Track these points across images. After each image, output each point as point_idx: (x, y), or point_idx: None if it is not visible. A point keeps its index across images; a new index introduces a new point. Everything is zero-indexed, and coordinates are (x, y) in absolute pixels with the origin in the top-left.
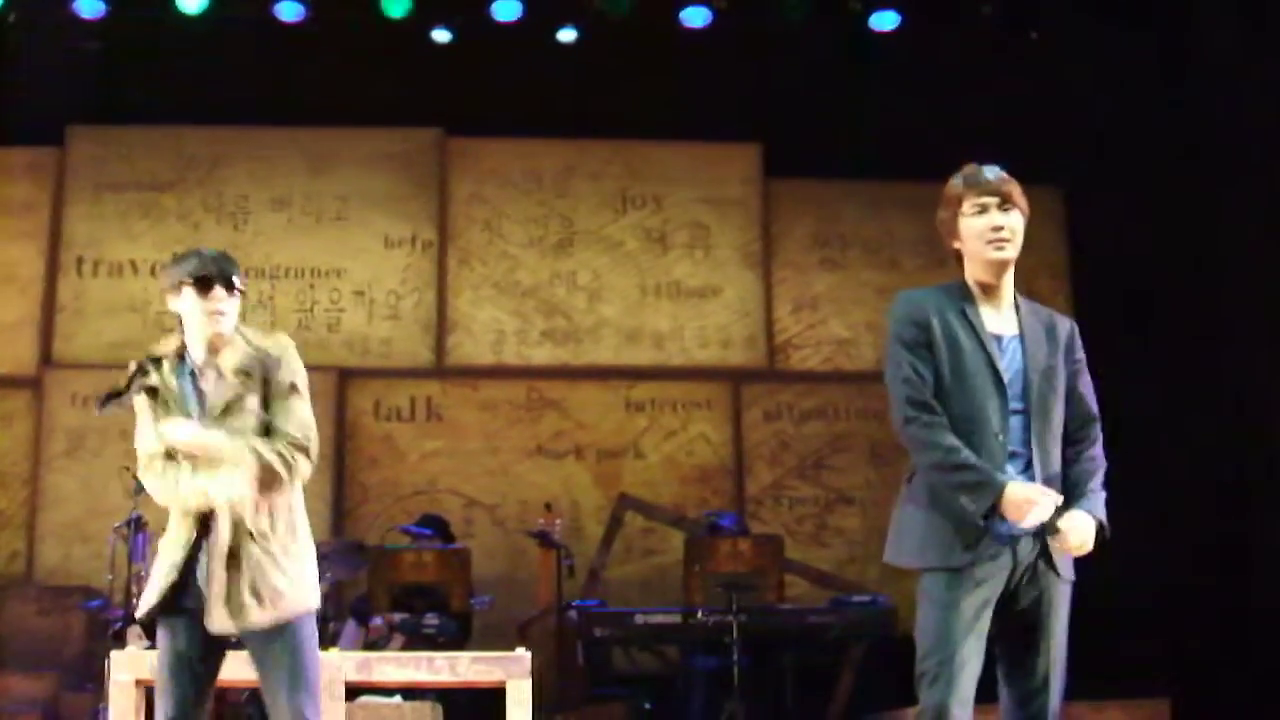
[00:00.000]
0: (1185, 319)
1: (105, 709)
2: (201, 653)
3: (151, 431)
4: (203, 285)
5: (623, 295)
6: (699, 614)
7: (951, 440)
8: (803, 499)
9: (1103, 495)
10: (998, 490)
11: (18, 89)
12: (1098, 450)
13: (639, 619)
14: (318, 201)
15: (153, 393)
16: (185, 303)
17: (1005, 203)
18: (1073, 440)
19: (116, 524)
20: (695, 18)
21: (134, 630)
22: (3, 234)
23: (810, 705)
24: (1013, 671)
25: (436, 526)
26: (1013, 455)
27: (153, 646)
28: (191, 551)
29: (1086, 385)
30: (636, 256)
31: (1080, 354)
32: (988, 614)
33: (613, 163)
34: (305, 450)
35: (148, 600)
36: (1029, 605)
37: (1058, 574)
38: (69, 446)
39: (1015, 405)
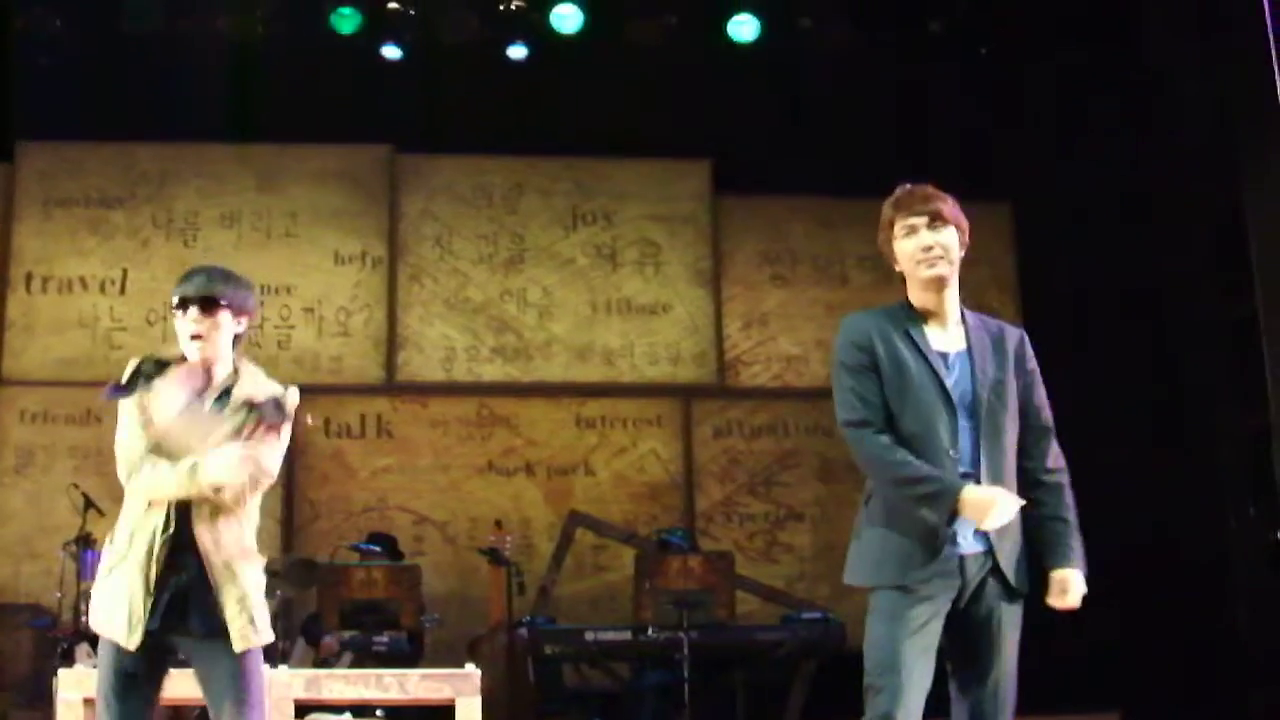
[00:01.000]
0: (1132, 331)
1: None
2: (149, 671)
3: (138, 432)
4: (181, 306)
5: (573, 312)
6: (649, 631)
7: (902, 455)
8: (753, 515)
9: (1078, 540)
10: (955, 495)
11: None
12: (1062, 477)
13: (589, 636)
14: (267, 218)
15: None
16: (178, 324)
17: (934, 221)
18: (1028, 455)
19: (65, 541)
20: (645, 35)
21: (83, 648)
22: None
23: None
24: (964, 687)
25: (385, 544)
26: (963, 475)
27: None
28: (164, 569)
29: (1040, 396)
30: (587, 273)
31: (1031, 364)
32: (935, 627)
33: (563, 179)
34: (260, 485)
35: (117, 620)
36: (980, 621)
37: (1009, 590)
38: (18, 463)
39: (964, 422)
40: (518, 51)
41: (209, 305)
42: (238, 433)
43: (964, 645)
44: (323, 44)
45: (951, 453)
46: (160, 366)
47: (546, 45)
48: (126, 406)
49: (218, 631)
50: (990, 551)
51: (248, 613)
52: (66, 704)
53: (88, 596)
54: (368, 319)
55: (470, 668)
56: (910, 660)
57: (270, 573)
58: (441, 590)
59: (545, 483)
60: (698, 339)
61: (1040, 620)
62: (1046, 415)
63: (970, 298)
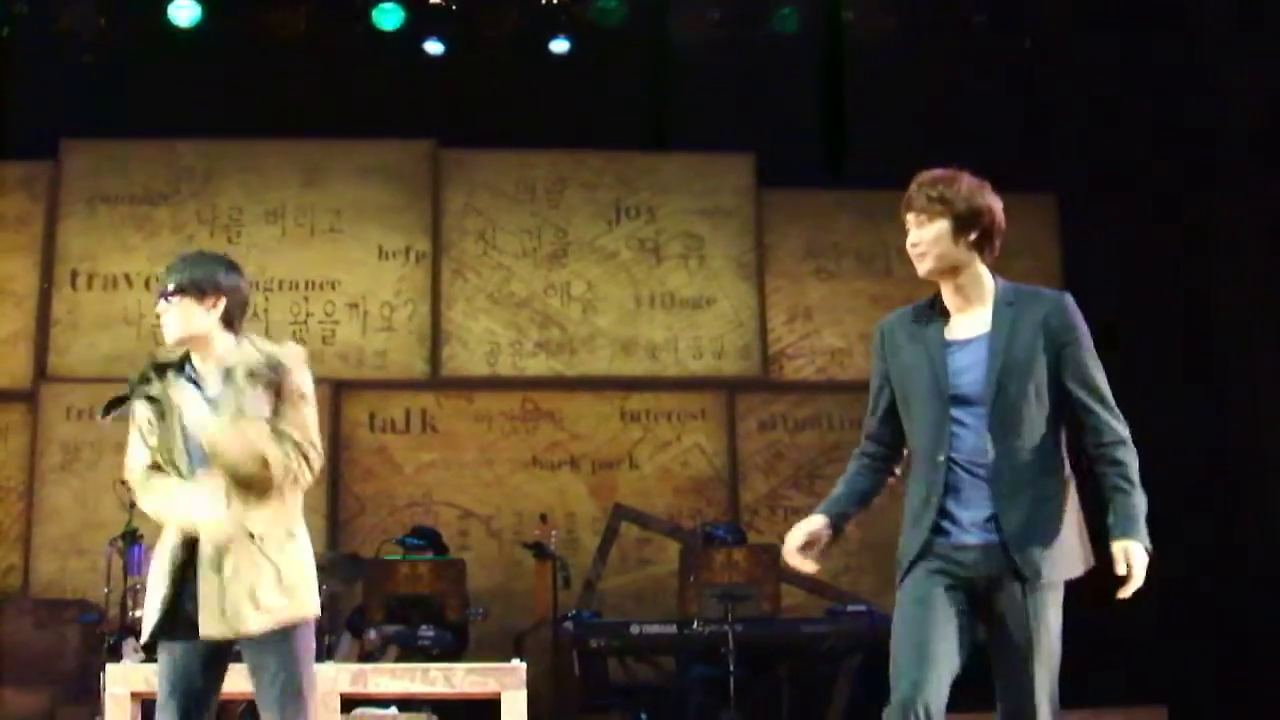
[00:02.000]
0: (1180, 323)
1: None
2: (202, 665)
3: (142, 445)
4: (159, 294)
5: (617, 306)
6: (695, 624)
7: (847, 470)
8: (798, 509)
9: (1139, 510)
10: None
11: (12, 102)
12: (1116, 450)
13: (635, 630)
14: (311, 214)
15: (152, 401)
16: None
17: (919, 215)
18: (1081, 432)
19: (112, 537)
20: (687, 28)
21: (130, 643)
22: None
23: (806, 715)
24: (1000, 680)
25: (429, 538)
26: (969, 466)
27: (149, 659)
28: (185, 558)
29: (1081, 367)
30: (630, 267)
31: (1069, 334)
32: (938, 606)
33: (606, 173)
34: (308, 459)
35: (149, 619)
36: (1003, 611)
37: (1030, 579)
38: (64, 460)
39: (968, 415)
40: (560, 45)
41: (170, 293)
42: (245, 409)
43: (993, 637)
44: (365, 39)
45: (940, 458)
46: (160, 369)
47: (589, 39)
48: (137, 414)
49: (260, 620)
50: (1004, 544)
51: (286, 599)
52: (114, 699)
53: (134, 592)
54: (412, 314)
55: (516, 662)
56: (921, 638)
57: (316, 568)
58: (486, 584)
59: (590, 477)
60: (742, 332)
61: (1087, 613)
62: (1091, 386)
63: None
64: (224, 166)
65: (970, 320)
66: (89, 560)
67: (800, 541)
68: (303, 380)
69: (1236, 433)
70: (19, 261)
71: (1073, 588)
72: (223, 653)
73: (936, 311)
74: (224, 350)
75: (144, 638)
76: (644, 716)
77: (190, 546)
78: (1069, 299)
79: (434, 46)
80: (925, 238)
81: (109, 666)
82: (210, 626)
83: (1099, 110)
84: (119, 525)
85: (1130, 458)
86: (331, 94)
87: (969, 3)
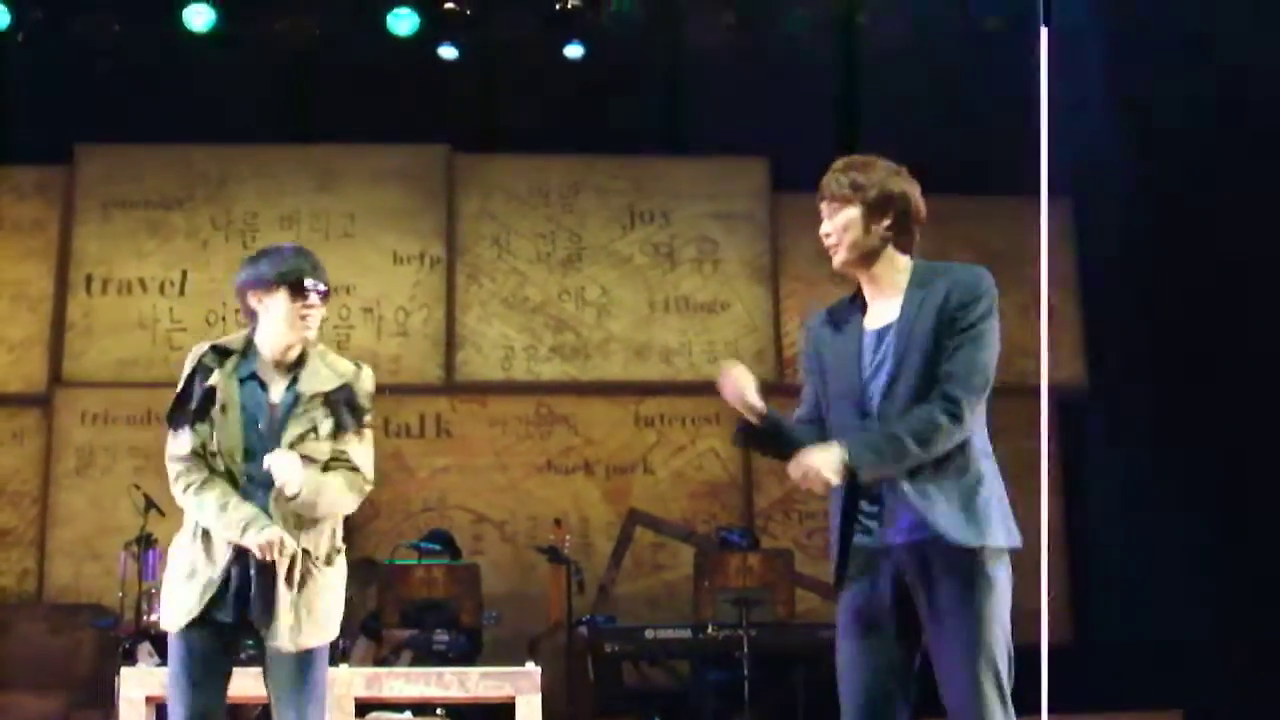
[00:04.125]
0: (1193, 326)
1: None
2: (223, 666)
3: (189, 432)
4: (298, 287)
5: (631, 310)
6: (709, 629)
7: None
8: (812, 513)
9: (888, 438)
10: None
11: (27, 107)
12: (925, 410)
13: (649, 634)
14: (326, 218)
15: (210, 394)
16: (276, 303)
17: (830, 203)
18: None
19: (127, 541)
20: (701, 33)
21: (144, 647)
22: (12, 252)
23: None
24: (942, 683)
25: (443, 542)
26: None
27: (164, 663)
28: (233, 563)
29: (951, 352)
30: (644, 271)
31: (959, 317)
32: (880, 625)
33: (620, 178)
34: (365, 491)
35: (180, 610)
36: (938, 610)
37: (953, 553)
38: (79, 464)
39: (877, 403)
40: (574, 50)
41: (325, 296)
42: (311, 432)
43: (933, 636)
44: (380, 45)
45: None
46: (221, 356)
47: (603, 44)
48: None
49: (316, 635)
50: (930, 534)
51: (313, 613)
52: (129, 703)
53: (149, 597)
54: (426, 319)
55: (530, 666)
56: (848, 663)
57: None
58: (501, 589)
59: (604, 481)
60: (756, 336)
61: (1103, 617)
62: (950, 376)
63: (1031, 295)
64: (238, 171)
65: (889, 308)
66: (103, 565)
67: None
68: (370, 406)
69: (1251, 435)
70: (34, 266)
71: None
72: (235, 653)
73: (858, 305)
74: (299, 357)
75: (175, 622)
76: None
77: (241, 553)
78: (978, 271)
79: (448, 51)
80: (835, 226)
81: (124, 670)
82: (282, 638)
83: (1113, 115)
84: (133, 530)
85: (918, 427)
86: (346, 99)
87: (982, 7)
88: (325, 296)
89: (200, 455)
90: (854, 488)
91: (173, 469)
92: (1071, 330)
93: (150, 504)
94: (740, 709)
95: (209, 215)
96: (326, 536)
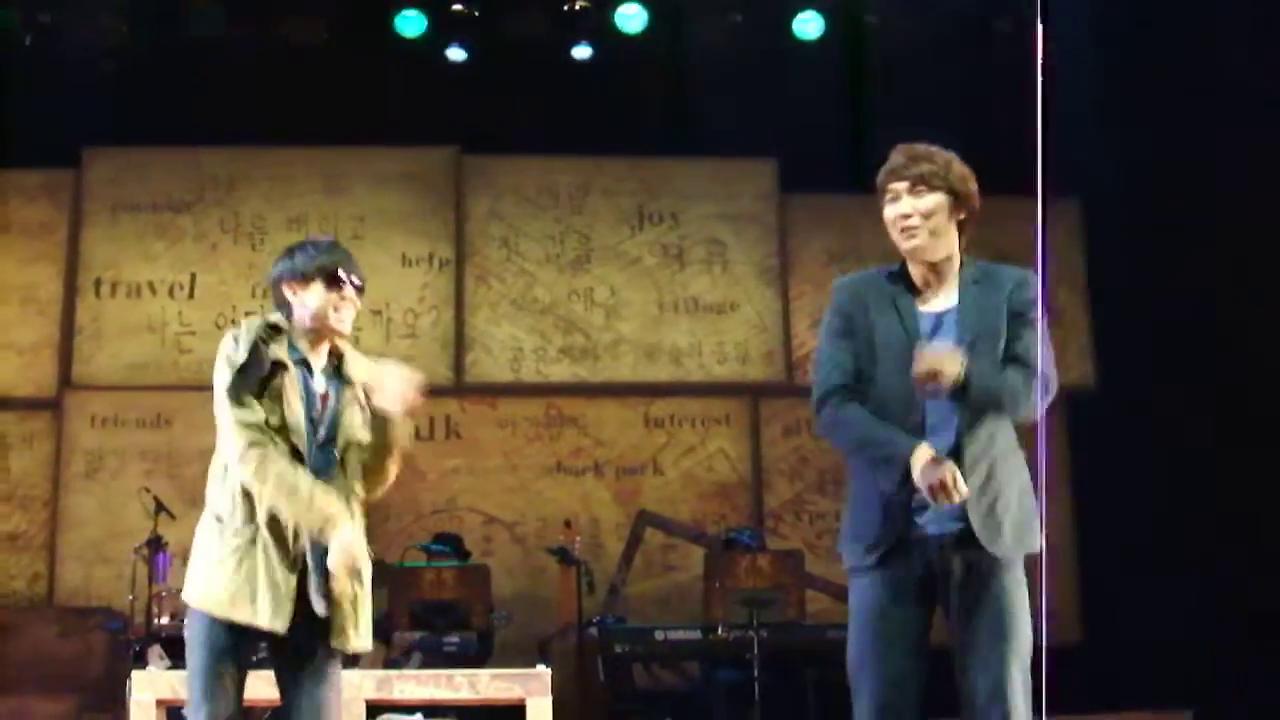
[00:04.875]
0: (1203, 330)
1: None
2: (249, 665)
3: (251, 403)
4: (335, 279)
5: (640, 311)
6: (719, 630)
7: (858, 413)
8: (822, 514)
9: (1002, 378)
10: (905, 456)
11: (35, 110)
12: (1020, 376)
13: (659, 635)
14: (334, 221)
15: (275, 368)
16: (311, 296)
17: (916, 185)
18: None
19: (137, 544)
20: (710, 34)
21: (155, 650)
22: (21, 255)
23: None
24: (969, 673)
25: (451, 543)
26: (934, 445)
27: (174, 666)
28: (304, 569)
29: (1030, 341)
30: (654, 273)
31: (1029, 311)
32: (910, 618)
33: (628, 179)
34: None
35: (224, 600)
36: (971, 601)
37: (1001, 559)
38: (88, 468)
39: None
40: (582, 52)
41: (360, 289)
42: (356, 414)
43: (961, 625)
44: (387, 46)
45: (910, 419)
46: (273, 330)
47: (611, 45)
48: (241, 366)
49: (324, 629)
50: (967, 528)
51: (359, 615)
52: (139, 706)
53: (159, 600)
54: (435, 320)
55: (541, 667)
56: (879, 659)
57: None
58: (510, 590)
59: (614, 482)
60: (766, 338)
61: (1113, 616)
62: (1033, 358)
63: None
64: (247, 174)
65: (941, 296)
66: (114, 568)
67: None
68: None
69: (1260, 435)
70: (43, 269)
71: None
72: (254, 651)
73: (904, 284)
74: (331, 351)
75: (223, 611)
76: None
77: (302, 551)
78: (1032, 275)
79: (456, 53)
80: (920, 208)
81: (134, 673)
82: (350, 640)
83: (1123, 116)
84: (143, 533)
85: (1022, 384)
86: (354, 101)
87: (991, 7)
88: (360, 291)
89: (264, 432)
90: (907, 475)
91: (243, 437)
92: (1079, 331)
93: (160, 507)
94: (750, 710)
95: (218, 218)
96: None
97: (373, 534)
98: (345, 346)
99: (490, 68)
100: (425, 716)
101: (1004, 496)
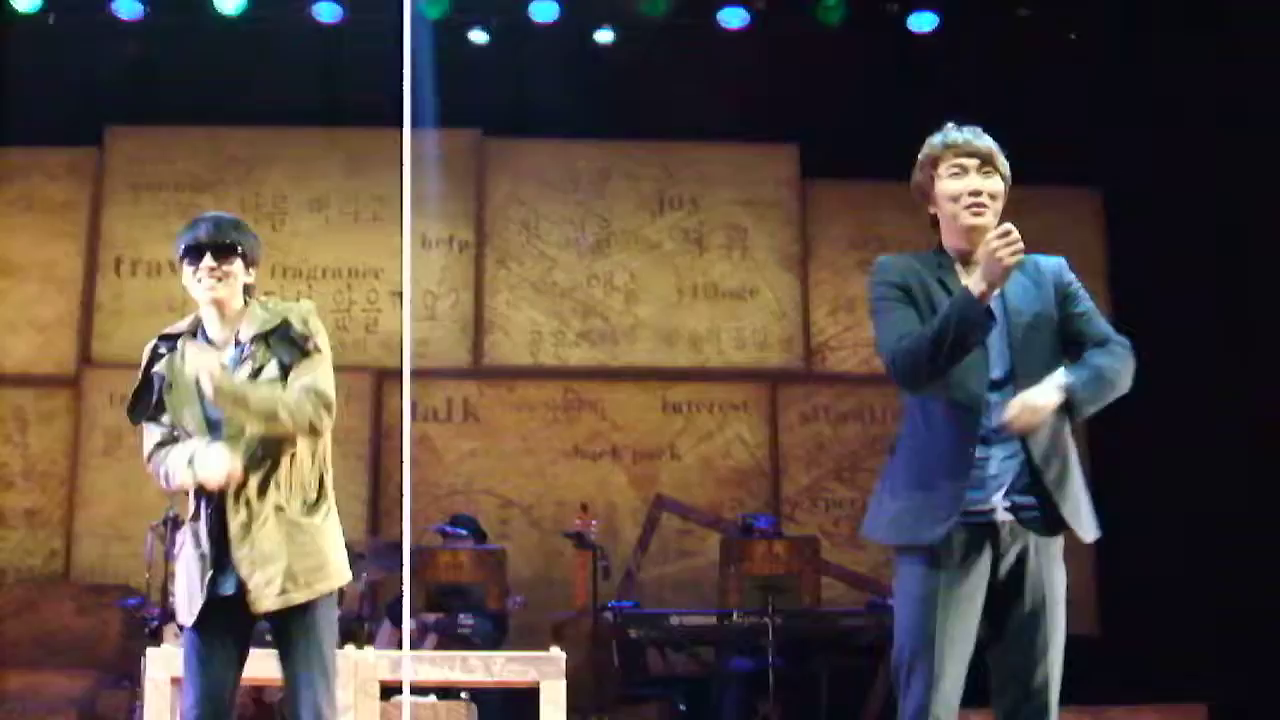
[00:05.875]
0: (1223, 322)
1: (141, 707)
2: (232, 649)
3: (155, 428)
4: (192, 255)
5: (660, 296)
6: (734, 616)
7: (926, 328)
8: (839, 501)
9: (1095, 368)
10: (964, 297)
11: (57, 89)
12: (1118, 349)
13: (674, 620)
14: (355, 202)
15: (161, 380)
16: (185, 279)
17: (985, 165)
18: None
19: (154, 522)
20: (732, 19)
21: (171, 628)
22: (42, 234)
23: (845, 709)
24: (1010, 665)
25: (468, 525)
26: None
27: None
28: (215, 535)
29: (1090, 316)
30: (674, 258)
31: (1073, 285)
32: (973, 602)
33: (650, 164)
34: (327, 409)
35: (188, 602)
36: (1026, 584)
37: (1048, 535)
38: (107, 445)
39: (997, 370)
40: (604, 35)
41: (223, 252)
42: (261, 371)
43: (1010, 619)
44: (410, 28)
45: (975, 413)
46: (170, 342)
47: (633, 29)
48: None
49: (259, 584)
50: (1038, 505)
51: (296, 568)
52: (154, 683)
53: (175, 577)
54: (455, 303)
55: (555, 651)
56: (945, 640)
57: (357, 555)
58: (526, 574)
59: (631, 467)
60: (785, 324)
61: (1129, 609)
62: (1100, 324)
63: None
64: (268, 154)
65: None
66: (131, 545)
67: None
68: (313, 331)
69: (1275, 431)
70: (63, 248)
71: None
72: (251, 627)
73: (945, 265)
74: (239, 313)
75: (188, 613)
76: (682, 707)
77: (221, 522)
78: (1067, 263)
79: (479, 36)
80: (993, 190)
81: (149, 651)
82: (264, 596)
83: (1145, 104)
84: (160, 511)
85: (1118, 354)
86: (376, 82)
87: None
88: (224, 253)
89: (171, 442)
90: (969, 452)
91: (148, 463)
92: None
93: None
94: (765, 696)
95: (239, 198)
96: (300, 486)
97: (390, 515)
98: (253, 306)
99: (512, 50)
100: (439, 698)
101: (1073, 476)
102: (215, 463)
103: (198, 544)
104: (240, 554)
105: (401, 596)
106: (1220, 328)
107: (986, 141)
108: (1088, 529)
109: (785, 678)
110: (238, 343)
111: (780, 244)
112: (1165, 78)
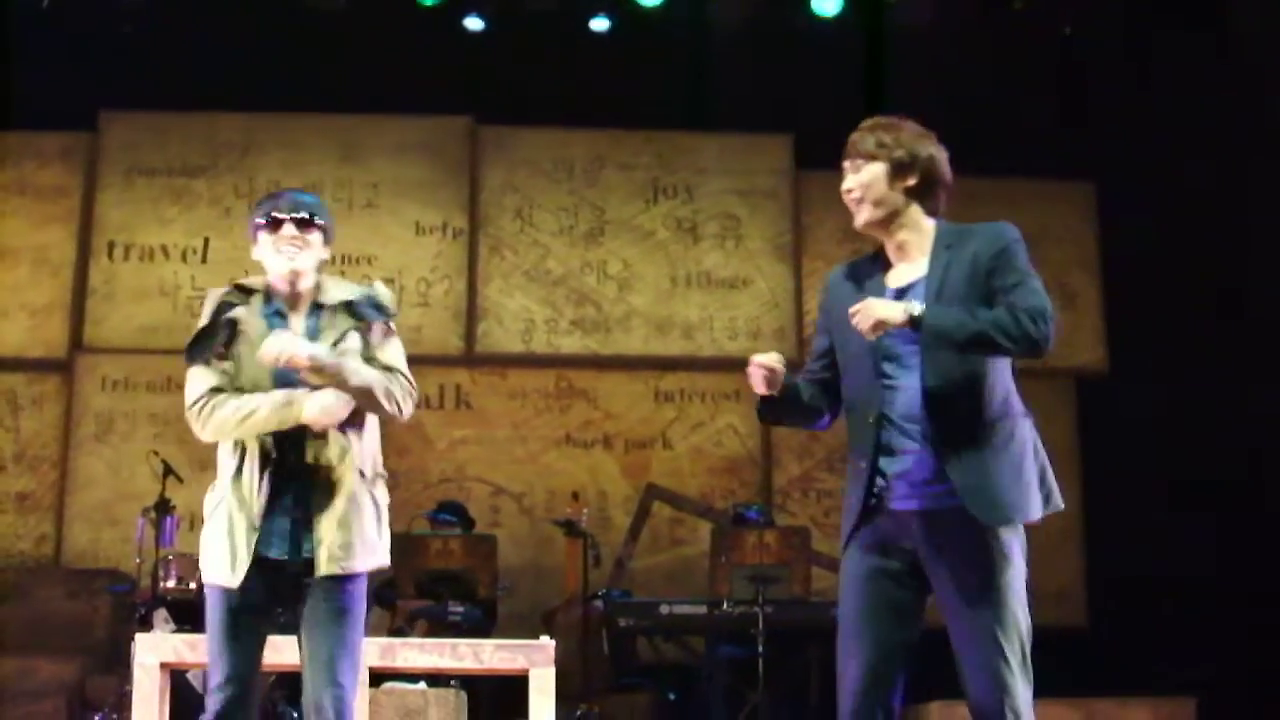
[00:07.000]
0: (1215, 313)
1: (131, 692)
2: (264, 624)
3: (209, 374)
4: (272, 223)
5: (653, 285)
6: (725, 605)
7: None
8: (830, 491)
9: (969, 310)
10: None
11: (51, 74)
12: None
13: (664, 609)
14: (349, 188)
15: (233, 328)
16: (262, 249)
17: (854, 160)
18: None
19: (145, 507)
20: (728, 8)
21: (161, 614)
22: (35, 218)
23: (834, 699)
24: (962, 659)
25: (457, 513)
26: (903, 425)
27: (180, 629)
28: (273, 496)
29: (1015, 282)
30: (667, 246)
31: (1001, 256)
32: (882, 589)
33: (644, 153)
34: (412, 395)
35: (224, 564)
36: (956, 579)
37: (985, 530)
38: (98, 430)
39: (902, 367)
40: (600, 24)
41: (304, 224)
42: (343, 339)
43: (947, 606)
44: (405, 15)
45: (871, 418)
46: (244, 294)
47: (629, 17)
48: (199, 333)
49: (325, 548)
50: (953, 500)
51: (363, 533)
52: (144, 669)
53: (166, 563)
54: (448, 290)
55: (545, 639)
56: (855, 630)
57: None
58: (517, 561)
59: (623, 455)
60: (778, 314)
61: (1119, 602)
62: (1022, 296)
63: (1053, 277)
64: (262, 140)
65: (912, 268)
66: (121, 530)
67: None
68: (394, 311)
69: (1269, 424)
70: (56, 232)
71: None
72: (276, 593)
73: (879, 264)
74: (311, 289)
75: (224, 578)
76: (672, 696)
77: (275, 480)
78: (1006, 227)
79: (474, 23)
80: (859, 181)
81: (139, 636)
82: (327, 559)
83: (1138, 97)
84: (152, 496)
85: (1020, 317)
86: (371, 68)
87: None
88: (305, 225)
89: (222, 391)
90: (880, 447)
91: (190, 398)
92: (1093, 314)
93: (169, 470)
94: (755, 685)
95: (232, 183)
96: (370, 458)
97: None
98: (328, 278)
99: (508, 38)
100: (428, 685)
101: (989, 468)
102: (331, 404)
103: (242, 504)
104: (316, 515)
105: (391, 582)
106: (1214, 320)
107: (857, 137)
108: (1011, 513)
109: (775, 668)
110: (318, 307)
111: (774, 234)
112: (1159, 71)
